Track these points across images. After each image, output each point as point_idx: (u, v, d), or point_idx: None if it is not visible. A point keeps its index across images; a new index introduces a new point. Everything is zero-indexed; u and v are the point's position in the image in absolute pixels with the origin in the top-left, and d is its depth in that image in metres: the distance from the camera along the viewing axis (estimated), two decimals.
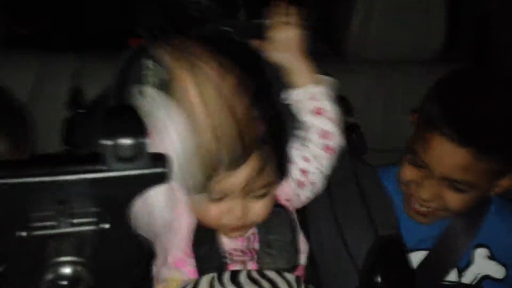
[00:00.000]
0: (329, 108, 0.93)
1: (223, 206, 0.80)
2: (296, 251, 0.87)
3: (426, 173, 1.05)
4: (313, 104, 0.91)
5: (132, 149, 0.49)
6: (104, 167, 0.48)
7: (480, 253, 1.14)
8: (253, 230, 0.89)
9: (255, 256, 0.86)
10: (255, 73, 1.03)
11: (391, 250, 0.85)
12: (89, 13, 1.88)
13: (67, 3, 1.87)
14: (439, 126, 1.01)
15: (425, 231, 1.13)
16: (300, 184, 0.92)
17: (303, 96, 0.91)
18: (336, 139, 0.94)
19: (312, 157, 0.90)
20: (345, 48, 1.42)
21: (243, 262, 0.86)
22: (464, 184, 1.01)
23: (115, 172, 0.48)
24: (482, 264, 1.14)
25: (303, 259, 0.89)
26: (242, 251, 0.86)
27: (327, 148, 0.92)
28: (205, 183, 0.76)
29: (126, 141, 0.48)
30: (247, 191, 0.80)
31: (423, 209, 1.07)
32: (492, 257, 1.14)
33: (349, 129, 1.16)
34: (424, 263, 1.13)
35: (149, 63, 1.00)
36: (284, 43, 0.92)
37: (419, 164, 1.06)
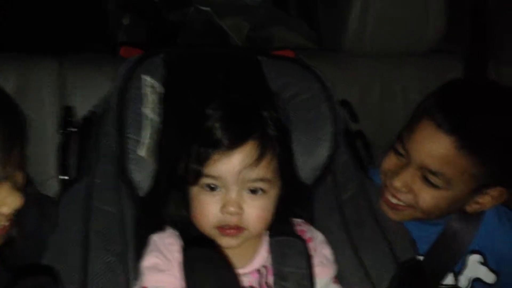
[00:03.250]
0: None
1: (218, 198, 0.79)
2: (312, 284, 0.82)
3: (404, 162, 1.03)
4: None
5: None
6: None
7: (474, 259, 1.15)
8: (266, 262, 0.85)
9: None
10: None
11: (414, 278, 0.84)
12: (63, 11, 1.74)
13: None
14: (429, 110, 1.00)
15: (419, 236, 1.13)
16: None
17: None
18: None
19: None
20: (342, 42, 1.36)
21: None
22: (439, 178, 0.97)
23: None
24: (474, 268, 1.15)
25: None
26: (253, 287, 0.84)
27: None
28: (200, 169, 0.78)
29: None
30: (242, 181, 0.79)
31: (394, 200, 1.03)
32: (484, 263, 1.16)
33: (354, 137, 1.13)
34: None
35: (148, 80, 0.93)
36: None
37: (400, 152, 1.05)
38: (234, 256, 0.82)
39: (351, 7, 1.32)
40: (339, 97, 1.10)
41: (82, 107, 1.04)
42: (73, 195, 0.86)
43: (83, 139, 0.92)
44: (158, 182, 0.90)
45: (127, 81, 0.90)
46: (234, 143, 0.78)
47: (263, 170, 0.80)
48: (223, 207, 0.80)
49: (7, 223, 0.75)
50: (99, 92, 1.03)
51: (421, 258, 1.10)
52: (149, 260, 0.80)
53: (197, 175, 0.79)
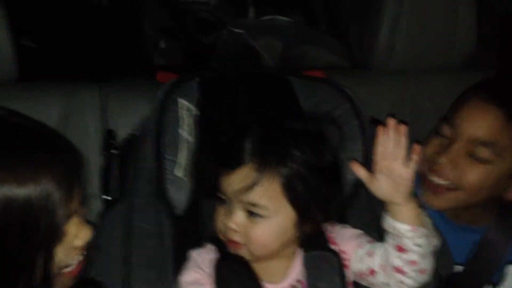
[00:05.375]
0: (416, 258, 0.83)
1: (225, 209, 0.84)
2: None
3: (450, 141, 1.05)
4: (400, 244, 0.83)
5: None
6: None
7: None
8: (300, 277, 0.87)
9: None
10: None
11: None
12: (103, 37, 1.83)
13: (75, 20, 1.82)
14: (477, 91, 1.06)
15: (456, 244, 1.12)
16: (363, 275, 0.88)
17: (394, 230, 0.82)
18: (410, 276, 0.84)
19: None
20: (372, 59, 1.38)
21: None
22: (488, 149, 1.01)
23: None
24: None
25: None
26: None
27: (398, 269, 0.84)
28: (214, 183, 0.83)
29: None
30: (241, 201, 0.82)
31: (438, 180, 1.04)
32: None
33: None
34: (459, 278, 1.12)
35: (184, 103, 0.97)
36: (393, 179, 0.81)
37: (444, 134, 1.06)
38: (268, 271, 0.84)
39: (381, 23, 1.34)
40: (369, 114, 1.12)
41: (123, 130, 1.09)
42: (115, 214, 0.91)
43: (123, 160, 0.97)
44: (195, 201, 0.94)
45: (164, 104, 0.95)
46: (232, 164, 0.82)
47: (257, 196, 0.81)
48: (225, 220, 0.84)
49: (81, 258, 0.77)
50: (138, 115, 1.07)
51: (459, 267, 1.09)
52: (189, 276, 0.84)
53: (212, 188, 0.85)
